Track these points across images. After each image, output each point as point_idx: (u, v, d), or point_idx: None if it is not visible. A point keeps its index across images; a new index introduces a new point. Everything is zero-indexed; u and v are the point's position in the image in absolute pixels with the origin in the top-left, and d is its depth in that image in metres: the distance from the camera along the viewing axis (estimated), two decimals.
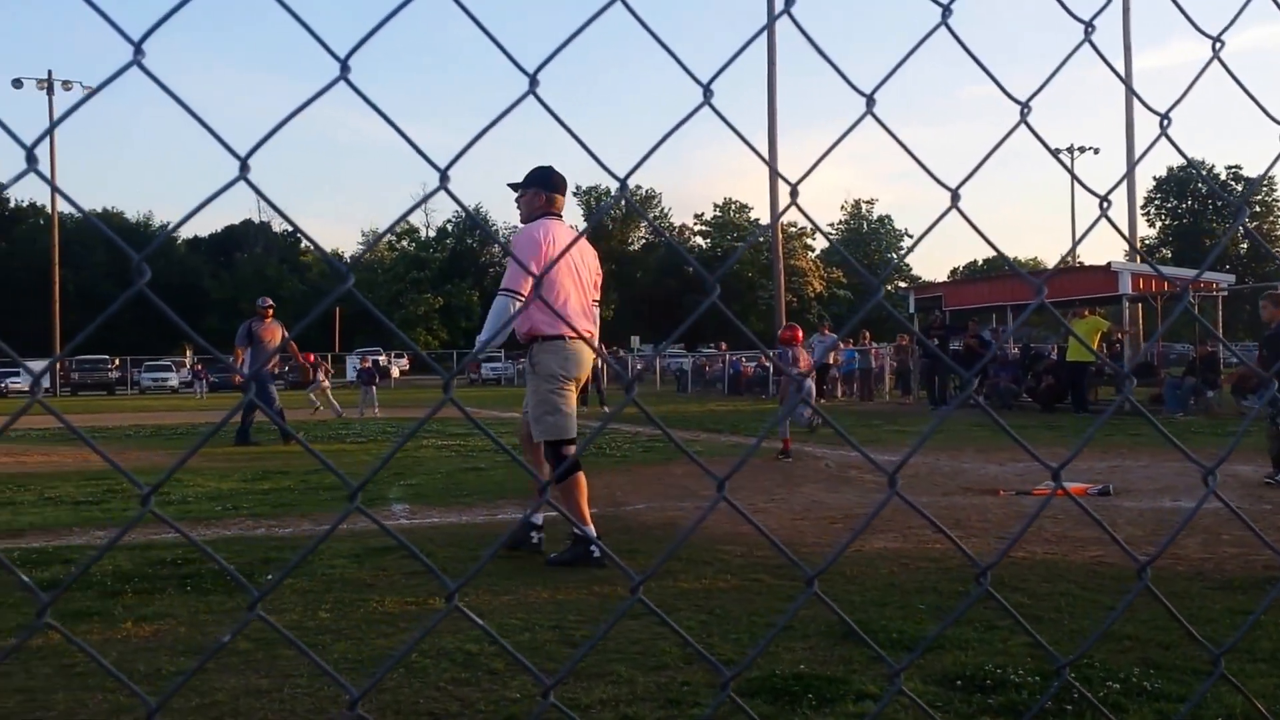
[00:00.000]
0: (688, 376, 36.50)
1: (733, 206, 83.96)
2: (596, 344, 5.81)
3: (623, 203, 1.21)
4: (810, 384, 16.10)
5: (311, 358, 22.91)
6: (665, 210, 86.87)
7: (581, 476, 5.46)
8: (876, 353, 27.98)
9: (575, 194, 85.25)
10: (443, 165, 1.12)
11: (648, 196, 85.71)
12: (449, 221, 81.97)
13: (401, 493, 8.53)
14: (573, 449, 5.43)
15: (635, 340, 59.19)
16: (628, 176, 1.20)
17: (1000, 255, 1.52)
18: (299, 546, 6.07)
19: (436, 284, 76.01)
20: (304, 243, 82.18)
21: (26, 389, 49.70)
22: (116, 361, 54.77)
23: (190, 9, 1.03)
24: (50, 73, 49.36)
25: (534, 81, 1.15)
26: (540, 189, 5.64)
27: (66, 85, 49.46)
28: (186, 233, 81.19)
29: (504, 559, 5.57)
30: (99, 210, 79.53)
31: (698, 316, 1.35)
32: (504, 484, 8.98)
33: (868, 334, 28.61)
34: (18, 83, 49.56)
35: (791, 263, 72.53)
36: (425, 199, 1.33)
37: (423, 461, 11.05)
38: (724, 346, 35.81)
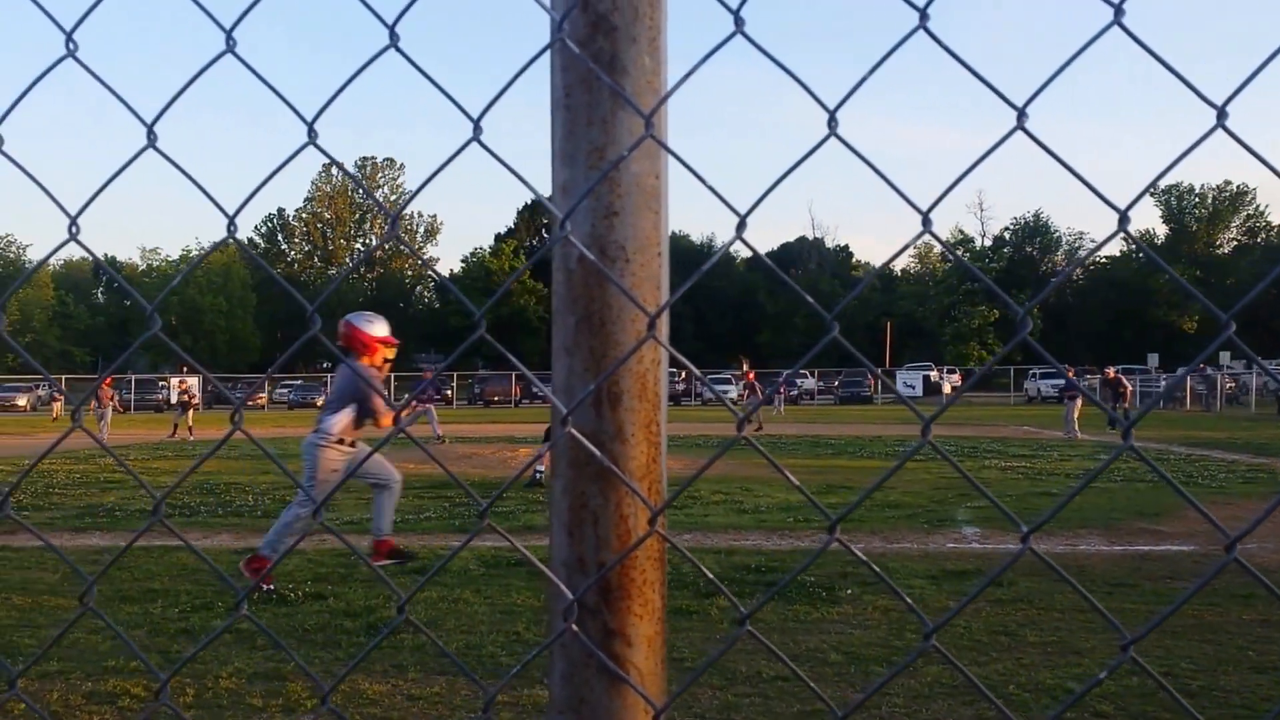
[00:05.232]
0: None
1: None
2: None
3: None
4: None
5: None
6: (1260, 208, 76.40)
7: None
8: None
9: (1152, 195, 78.56)
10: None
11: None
12: (1006, 229, 79.45)
13: (970, 515, 8.33)
14: None
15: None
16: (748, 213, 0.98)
17: None
18: (871, 562, 6.09)
19: (991, 296, 73.92)
20: (856, 255, 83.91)
21: None
22: (682, 374, 59.54)
23: None
24: None
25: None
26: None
27: None
28: (745, 252, 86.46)
29: (1100, 592, 5.19)
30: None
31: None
32: (1083, 509, 8.43)
33: None
34: None
35: None
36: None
37: (989, 483, 10.72)
38: None
